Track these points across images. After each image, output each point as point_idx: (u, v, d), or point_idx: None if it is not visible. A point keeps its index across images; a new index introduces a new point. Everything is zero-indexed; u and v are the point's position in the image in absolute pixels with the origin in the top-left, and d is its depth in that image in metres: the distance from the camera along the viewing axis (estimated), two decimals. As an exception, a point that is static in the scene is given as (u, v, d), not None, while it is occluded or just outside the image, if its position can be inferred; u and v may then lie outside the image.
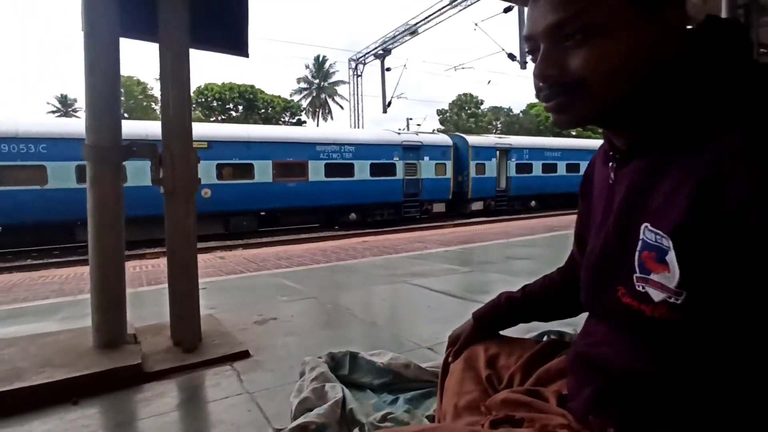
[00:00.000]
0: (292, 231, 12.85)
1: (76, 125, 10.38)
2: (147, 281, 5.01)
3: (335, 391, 1.50)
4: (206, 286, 3.75)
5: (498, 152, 17.72)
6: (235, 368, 2.01)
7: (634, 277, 0.58)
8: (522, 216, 15.44)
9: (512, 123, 42.85)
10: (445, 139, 17.11)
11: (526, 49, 0.63)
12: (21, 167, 9.80)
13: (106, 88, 2.11)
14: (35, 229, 10.06)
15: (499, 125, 44.55)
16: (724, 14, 4.04)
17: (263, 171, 12.71)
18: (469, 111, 43.61)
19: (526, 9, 0.62)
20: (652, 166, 0.57)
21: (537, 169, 18.78)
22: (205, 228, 11.16)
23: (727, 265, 0.49)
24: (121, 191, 2.17)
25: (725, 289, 0.51)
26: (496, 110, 45.66)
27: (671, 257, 0.52)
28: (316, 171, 13.52)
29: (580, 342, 0.74)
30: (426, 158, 15.84)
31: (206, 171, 11.56)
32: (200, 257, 7.87)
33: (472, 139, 17.59)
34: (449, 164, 16.46)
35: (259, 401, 1.70)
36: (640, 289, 0.57)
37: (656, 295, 0.55)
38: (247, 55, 2.62)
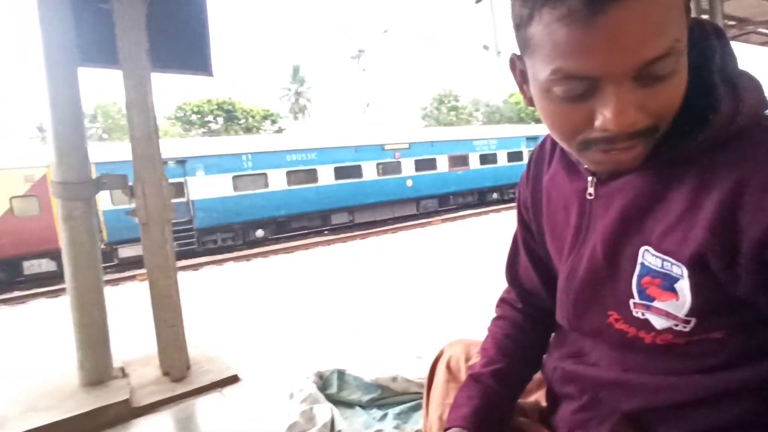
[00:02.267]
0: (282, 240, 13.01)
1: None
2: (138, 306, 4.94)
3: (324, 412, 1.49)
4: (193, 308, 3.71)
5: None
6: (225, 394, 1.99)
7: (631, 303, 0.54)
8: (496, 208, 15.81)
9: (492, 113, 43.10)
10: None
11: (563, 90, 0.46)
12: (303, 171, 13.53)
13: (70, 121, 2.08)
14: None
15: (480, 116, 44.77)
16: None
17: (442, 163, 16.09)
18: (449, 105, 43.75)
19: (558, 35, 0.43)
20: (652, 184, 0.52)
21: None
22: (404, 210, 15.35)
23: (743, 294, 0.47)
24: (94, 227, 2.14)
25: (735, 313, 0.49)
26: (475, 102, 45.86)
27: (682, 285, 0.49)
28: (474, 161, 16.92)
29: (557, 353, 0.71)
30: None
31: (408, 165, 15.43)
32: (187, 274, 7.72)
33: None
34: None
35: (250, 427, 1.69)
36: (639, 315, 0.54)
37: (659, 323, 0.52)
38: (211, 75, 2.59)
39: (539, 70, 0.48)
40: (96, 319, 2.12)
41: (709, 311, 0.49)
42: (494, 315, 0.86)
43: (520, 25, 0.49)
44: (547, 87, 0.48)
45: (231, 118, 36.08)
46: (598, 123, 0.46)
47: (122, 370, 2.24)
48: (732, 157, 0.46)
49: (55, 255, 9.98)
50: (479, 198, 17.52)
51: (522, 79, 0.55)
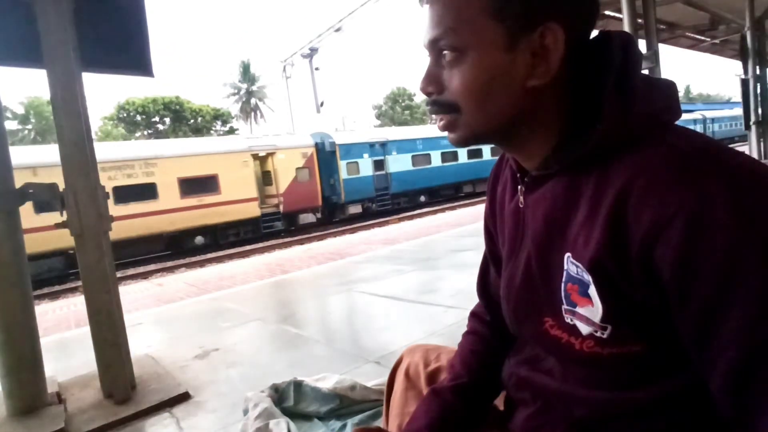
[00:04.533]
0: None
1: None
2: (76, 322, 4.61)
3: (280, 428, 1.43)
4: (142, 321, 3.51)
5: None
6: (174, 414, 1.88)
7: (562, 309, 0.55)
8: (465, 202, 16.25)
9: (446, 111, 43.92)
10: None
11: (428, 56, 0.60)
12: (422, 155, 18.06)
13: (-12, 126, 1.89)
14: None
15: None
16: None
17: None
18: (403, 104, 44.08)
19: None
20: (566, 191, 0.54)
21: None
22: (478, 187, 19.28)
23: (642, 300, 0.48)
24: (20, 240, 1.95)
25: (647, 322, 0.49)
26: (429, 100, 46.45)
27: (593, 291, 0.50)
28: None
29: (514, 359, 0.72)
30: None
31: (486, 149, 19.23)
32: (137, 285, 7.37)
33: None
34: None
35: (202, 449, 1.60)
36: (569, 321, 0.55)
37: (584, 329, 0.53)
38: (151, 75, 2.44)
39: None
40: (26, 340, 1.94)
41: (622, 318, 0.50)
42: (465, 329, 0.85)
43: None
44: None
45: (179, 118, 34.68)
46: None
47: (58, 395, 2.06)
48: (622, 164, 0.48)
49: (316, 210, 15.73)
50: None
51: None
